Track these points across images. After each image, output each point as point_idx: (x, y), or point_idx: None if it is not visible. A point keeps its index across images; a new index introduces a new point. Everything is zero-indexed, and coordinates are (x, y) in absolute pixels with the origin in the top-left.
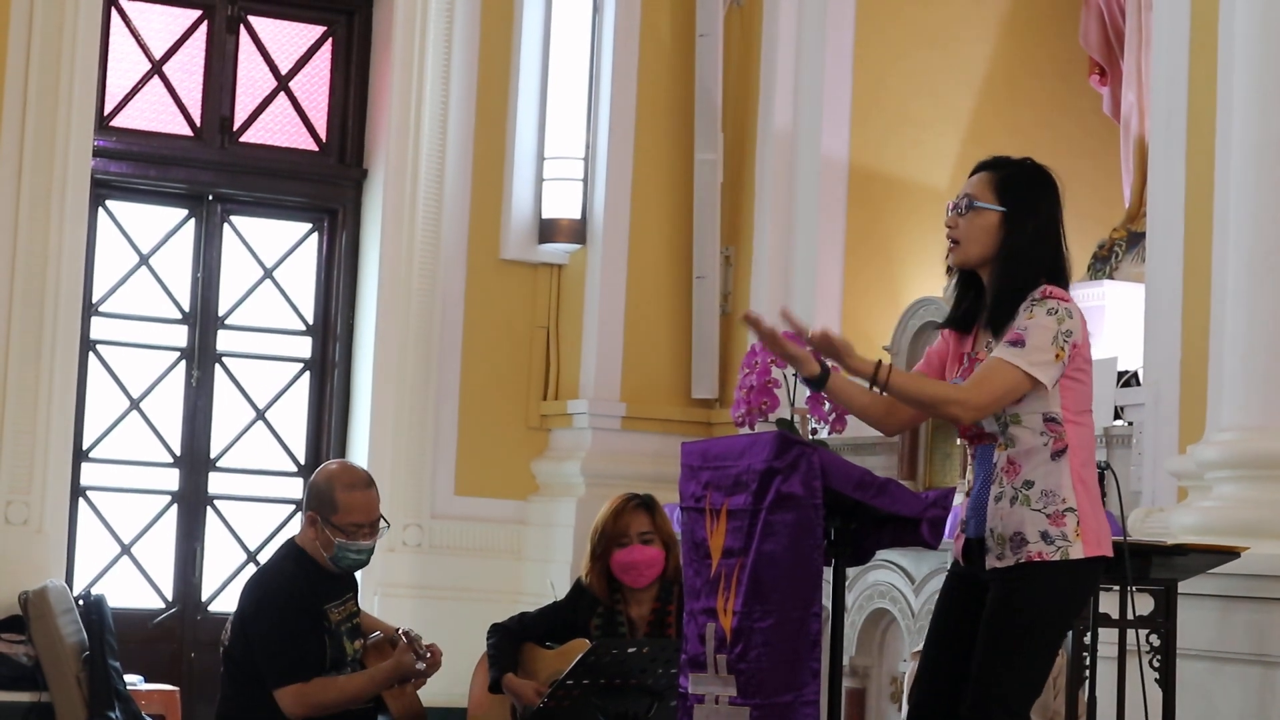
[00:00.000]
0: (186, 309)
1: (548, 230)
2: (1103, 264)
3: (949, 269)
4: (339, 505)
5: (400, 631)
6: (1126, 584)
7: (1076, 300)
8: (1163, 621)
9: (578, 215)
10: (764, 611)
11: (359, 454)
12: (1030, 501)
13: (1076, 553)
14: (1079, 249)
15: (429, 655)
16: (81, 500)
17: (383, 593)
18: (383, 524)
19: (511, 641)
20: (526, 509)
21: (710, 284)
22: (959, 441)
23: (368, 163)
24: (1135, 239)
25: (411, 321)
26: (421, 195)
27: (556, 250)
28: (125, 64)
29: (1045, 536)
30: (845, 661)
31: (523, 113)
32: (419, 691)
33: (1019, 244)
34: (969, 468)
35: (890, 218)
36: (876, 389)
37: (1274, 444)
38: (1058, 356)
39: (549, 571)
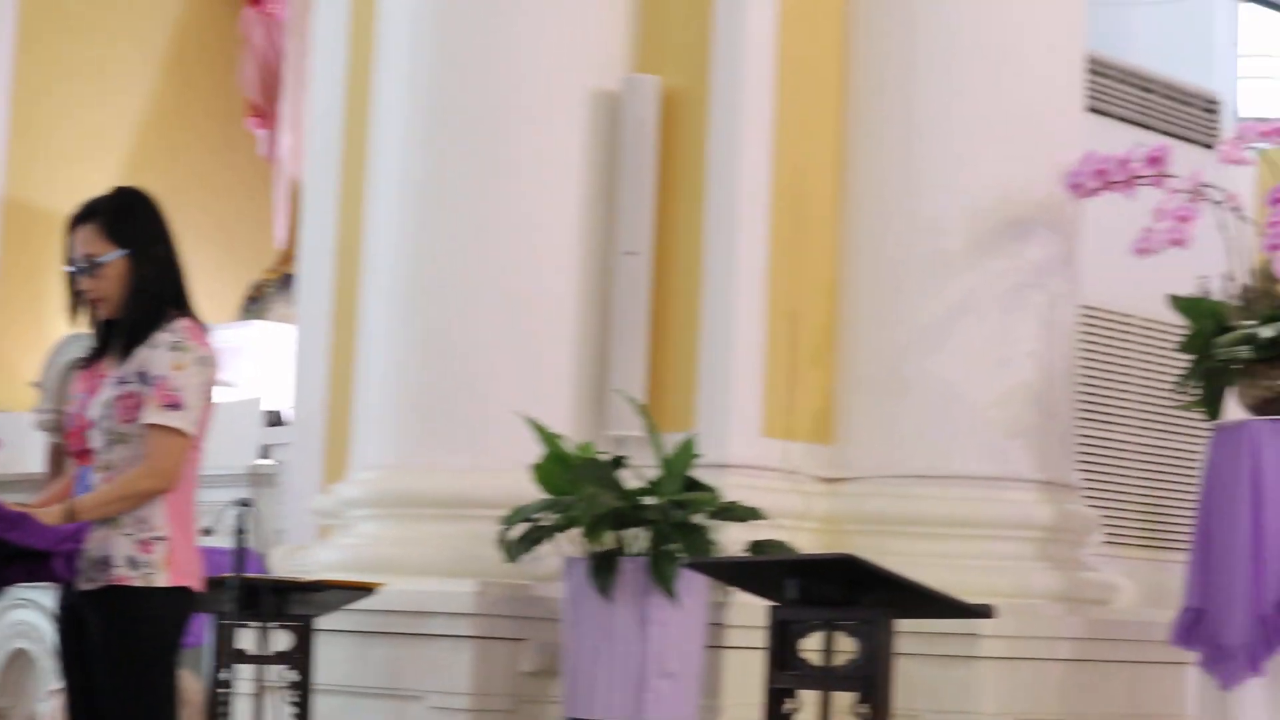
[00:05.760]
0: None
1: None
2: (255, 304)
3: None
4: None
5: None
6: (265, 621)
7: (224, 339)
8: (300, 657)
9: None
10: None
11: None
12: (121, 526)
13: (162, 580)
14: (232, 289)
15: None
16: None
17: None
18: None
19: None
20: None
21: None
22: None
23: None
24: (288, 280)
25: None
26: None
27: None
28: None
29: (132, 562)
30: None
31: None
32: None
33: (148, 276)
34: None
35: (42, 252)
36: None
37: (410, 482)
38: (205, 407)
39: None
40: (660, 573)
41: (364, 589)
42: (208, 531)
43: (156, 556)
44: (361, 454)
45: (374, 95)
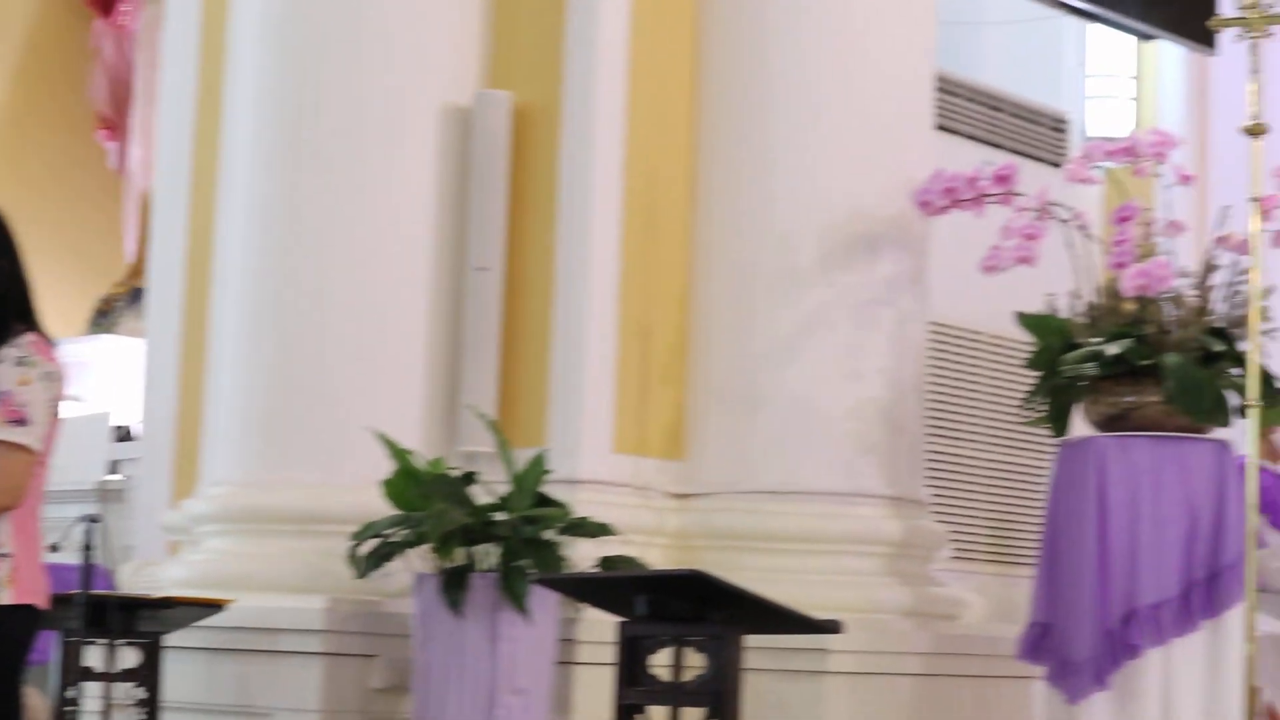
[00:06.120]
0: None
1: None
2: (104, 318)
3: None
4: None
5: None
6: (113, 638)
7: (72, 353)
8: (148, 675)
9: None
10: None
11: None
12: None
13: (6, 598)
14: (81, 303)
15: None
16: None
17: None
18: None
19: None
20: None
21: None
22: None
23: None
24: (138, 294)
25: None
26: None
27: None
28: None
29: None
30: None
31: None
32: None
33: None
34: None
35: None
36: None
37: (260, 498)
38: (51, 422)
39: None
40: (511, 589)
41: (213, 605)
42: (54, 548)
43: (0, 574)
44: (211, 469)
45: (225, 108)
